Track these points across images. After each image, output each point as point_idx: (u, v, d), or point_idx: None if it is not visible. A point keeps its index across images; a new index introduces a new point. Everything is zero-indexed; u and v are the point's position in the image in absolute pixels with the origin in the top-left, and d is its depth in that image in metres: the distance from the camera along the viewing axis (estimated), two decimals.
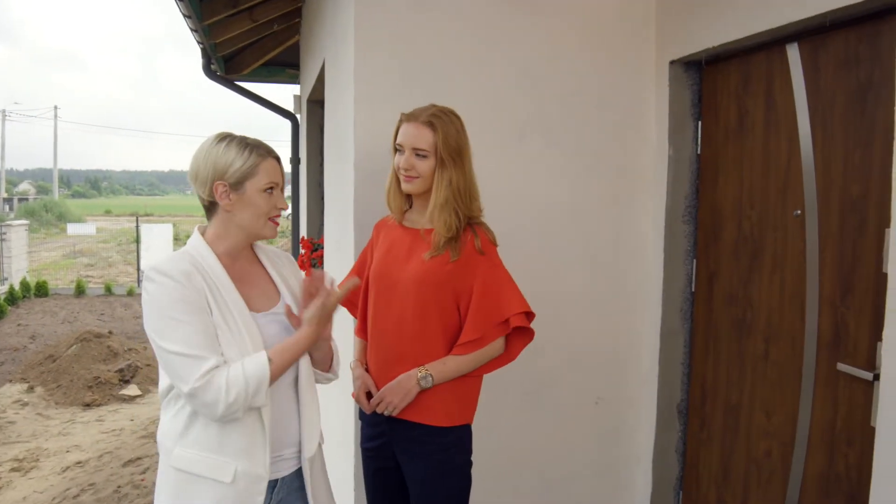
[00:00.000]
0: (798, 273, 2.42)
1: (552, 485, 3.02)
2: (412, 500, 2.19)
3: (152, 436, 5.83)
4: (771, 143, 2.54)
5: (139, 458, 5.27)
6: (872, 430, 2.02)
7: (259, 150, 1.79)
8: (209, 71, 6.08)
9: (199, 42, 5.33)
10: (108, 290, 15.33)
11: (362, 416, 2.32)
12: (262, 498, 1.73)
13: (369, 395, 2.22)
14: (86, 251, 21.95)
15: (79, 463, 5.30)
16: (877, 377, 2.06)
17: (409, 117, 2.17)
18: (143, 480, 4.74)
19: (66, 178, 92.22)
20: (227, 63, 6.26)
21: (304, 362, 1.86)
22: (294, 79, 6.82)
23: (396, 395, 2.10)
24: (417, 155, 2.12)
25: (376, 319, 2.21)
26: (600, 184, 2.96)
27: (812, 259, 2.36)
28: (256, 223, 1.80)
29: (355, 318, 2.40)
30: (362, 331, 2.32)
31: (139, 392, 7.38)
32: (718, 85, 2.81)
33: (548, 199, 2.91)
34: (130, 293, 15.12)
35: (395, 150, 2.20)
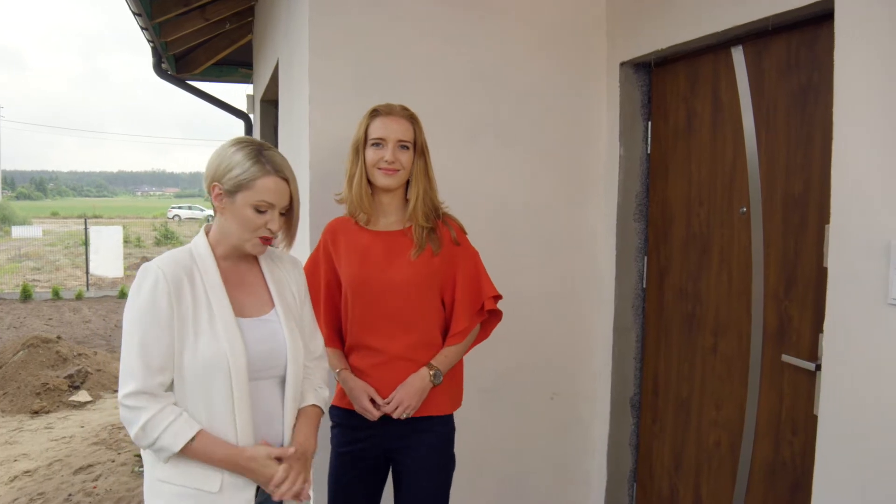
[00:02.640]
0: (744, 268, 2.49)
1: (509, 480, 3.06)
2: (411, 495, 2.21)
3: (104, 442, 5.72)
4: (717, 143, 2.62)
5: (90, 466, 5.16)
6: (815, 419, 2.10)
7: (266, 165, 1.71)
8: (160, 70, 5.99)
9: (149, 40, 5.24)
10: (56, 294, 14.93)
11: (341, 421, 2.26)
12: None
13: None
14: (31, 254, 21.34)
15: (27, 472, 5.17)
16: (818, 367, 2.14)
17: (386, 111, 2.18)
18: (94, 488, 4.65)
19: (10, 180, 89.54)
20: (179, 62, 6.17)
21: (292, 365, 1.79)
22: (247, 78, 6.75)
23: (414, 398, 2.13)
24: (401, 147, 2.16)
25: (367, 326, 2.18)
26: (553, 183, 3.01)
27: (757, 255, 2.43)
28: (240, 236, 1.74)
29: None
30: (335, 340, 2.27)
31: (90, 398, 7.22)
32: (667, 86, 2.88)
33: (501, 198, 2.94)
34: (79, 297, 14.76)
35: (371, 145, 2.16)
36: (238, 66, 6.65)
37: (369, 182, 2.19)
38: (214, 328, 1.67)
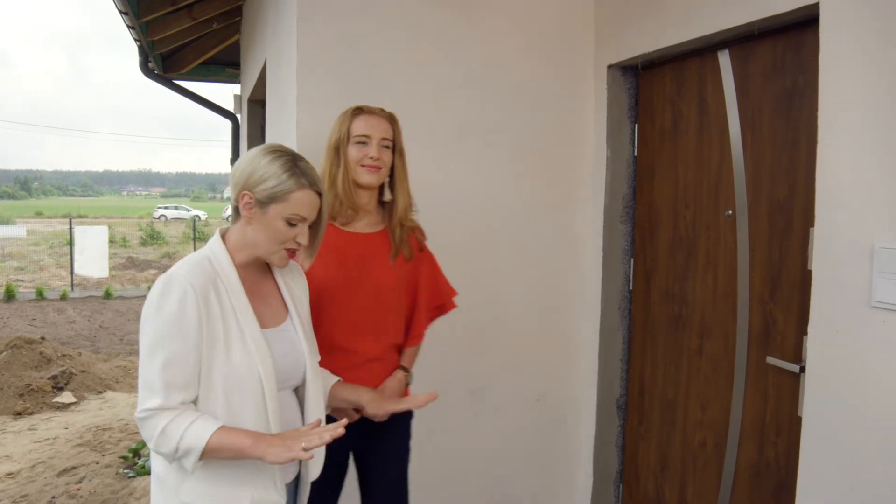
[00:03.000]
0: (730, 271, 2.51)
1: (496, 481, 3.06)
2: (382, 488, 2.24)
3: (88, 444, 5.67)
4: (704, 146, 2.63)
5: (74, 468, 5.12)
6: (799, 420, 2.12)
7: (301, 179, 1.66)
8: (146, 69, 5.95)
9: (135, 39, 5.21)
10: (40, 294, 14.81)
11: None
12: None
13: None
14: (15, 254, 21.15)
15: (10, 474, 5.12)
16: (802, 369, 2.15)
17: (368, 110, 2.19)
18: (78, 490, 4.61)
19: None
20: (165, 61, 6.14)
21: (311, 373, 1.78)
22: (234, 78, 6.72)
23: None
24: (383, 146, 2.17)
25: (343, 328, 2.15)
26: (540, 185, 3.01)
27: (743, 257, 2.45)
28: (268, 248, 1.69)
29: None
30: None
31: (74, 399, 7.16)
32: (654, 89, 2.89)
33: (488, 200, 2.95)
34: (64, 297, 14.64)
35: (354, 142, 2.15)
36: (225, 66, 6.62)
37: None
38: (244, 341, 1.63)
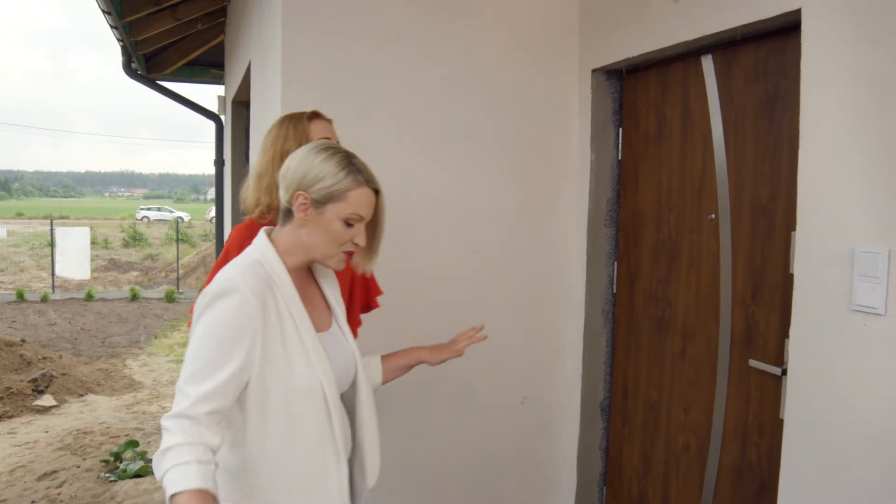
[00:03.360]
0: (713, 274, 2.53)
1: (480, 484, 3.06)
2: None
3: (69, 447, 5.62)
4: (687, 150, 2.65)
5: (55, 472, 5.07)
6: (781, 422, 2.13)
7: (358, 176, 1.59)
8: (129, 69, 5.92)
9: (119, 39, 5.18)
10: (20, 296, 14.67)
11: None
12: None
13: None
14: None
15: None
16: (784, 372, 2.17)
17: (321, 115, 2.17)
18: (58, 495, 4.57)
19: None
20: (149, 61, 6.11)
21: (362, 372, 1.75)
22: (218, 79, 6.70)
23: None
24: None
25: None
26: (524, 188, 3.02)
27: (725, 260, 2.47)
28: (326, 250, 1.61)
29: None
30: None
31: (54, 402, 7.09)
32: (638, 93, 2.91)
33: (472, 202, 2.96)
34: (44, 299, 14.50)
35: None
36: (209, 67, 6.60)
37: None
38: (305, 349, 1.57)
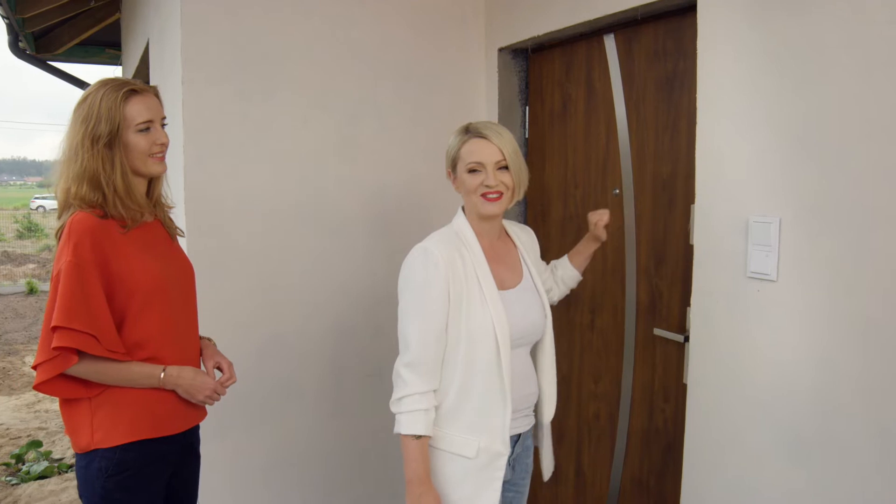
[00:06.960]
0: (618, 247, 2.61)
1: (396, 459, 3.07)
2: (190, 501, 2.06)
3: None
4: (592, 128, 2.71)
5: None
6: (684, 387, 2.24)
7: (467, 133, 1.88)
8: (17, 49, 5.57)
9: (3, 16, 4.86)
10: None
11: (143, 458, 1.83)
12: (502, 472, 1.85)
13: None
14: None
15: None
16: (687, 339, 2.27)
17: (141, 89, 1.86)
18: None
19: None
20: (38, 41, 5.75)
21: (549, 331, 1.99)
22: (115, 60, 6.40)
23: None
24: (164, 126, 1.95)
25: (167, 335, 1.87)
26: (433, 167, 3.01)
27: (630, 234, 2.55)
28: (471, 201, 1.89)
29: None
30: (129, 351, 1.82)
31: None
32: (544, 72, 2.95)
33: (380, 183, 2.93)
34: None
35: (138, 130, 1.82)
36: (105, 47, 6.28)
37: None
38: (484, 303, 1.82)
